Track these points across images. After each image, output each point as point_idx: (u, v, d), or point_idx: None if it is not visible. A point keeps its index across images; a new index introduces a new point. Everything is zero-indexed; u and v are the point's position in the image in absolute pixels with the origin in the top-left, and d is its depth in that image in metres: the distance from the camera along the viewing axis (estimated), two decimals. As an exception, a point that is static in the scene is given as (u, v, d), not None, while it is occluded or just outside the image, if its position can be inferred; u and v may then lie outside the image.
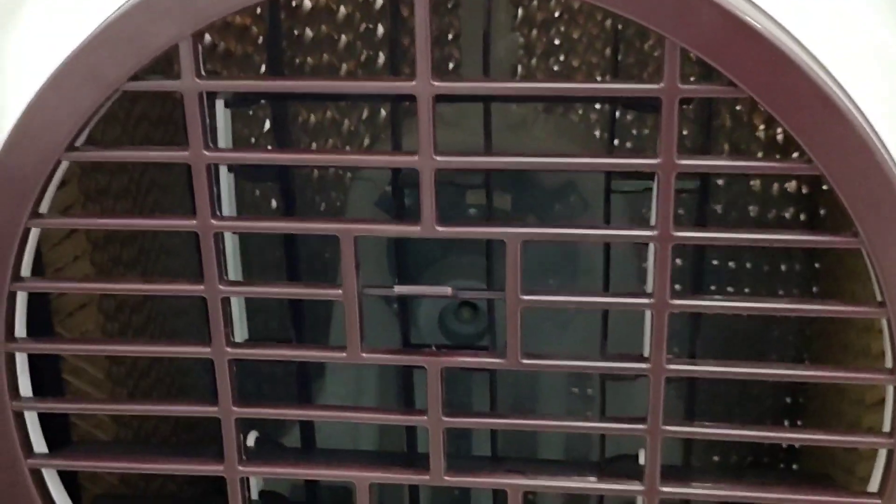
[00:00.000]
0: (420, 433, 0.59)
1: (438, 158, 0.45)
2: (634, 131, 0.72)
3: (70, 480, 0.57)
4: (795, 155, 0.50)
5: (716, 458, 0.80)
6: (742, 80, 0.43)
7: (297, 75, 0.71)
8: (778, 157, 0.68)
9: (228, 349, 0.50)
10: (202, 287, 0.49)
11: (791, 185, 0.72)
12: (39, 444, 0.54)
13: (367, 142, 0.76)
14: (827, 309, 0.48)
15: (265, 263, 0.75)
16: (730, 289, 0.74)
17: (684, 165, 0.44)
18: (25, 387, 0.53)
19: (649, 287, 0.48)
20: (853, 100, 0.44)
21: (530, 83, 0.60)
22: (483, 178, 0.59)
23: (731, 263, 0.75)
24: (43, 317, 0.61)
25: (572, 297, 0.49)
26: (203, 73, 0.46)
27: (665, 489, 0.50)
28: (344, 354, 0.49)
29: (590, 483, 0.51)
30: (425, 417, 0.50)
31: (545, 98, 0.61)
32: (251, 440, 0.56)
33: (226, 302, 0.50)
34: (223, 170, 0.53)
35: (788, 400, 0.79)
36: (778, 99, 0.43)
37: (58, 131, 0.48)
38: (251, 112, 0.73)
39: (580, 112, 0.73)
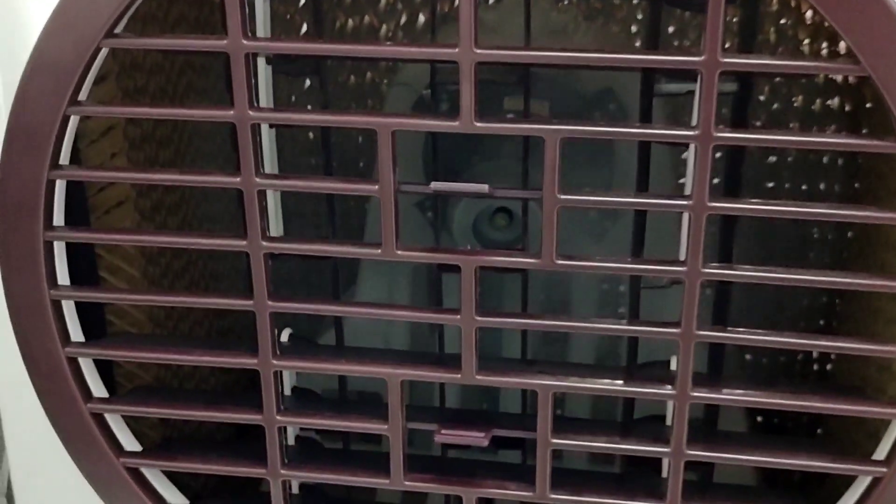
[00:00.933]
0: (449, 341, 0.59)
1: (479, 51, 0.45)
2: (676, 42, 0.71)
3: (106, 377, 0.58)
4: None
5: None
6: (790, -24, 0.42)
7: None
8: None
9: (264, 243, 0.50)
10: (238, 179, 0.49)
11: (834, 103, 0.71)
12: (77, 334, 0.55)
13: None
14: (866, 215, 0.47)
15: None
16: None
17: (729, 63, 0.44)
18: (63, 277, 0.53)
19: (688, 189, 0.48)
20: (905, -2, 0.43)
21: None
22: (521, 84, 0.58)
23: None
24: (80, 214, 0.61)
25: (609, 197, 0.48)
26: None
27: (696, 394, 0.50)
28: (379, 251, 0.49)
29: (620, 386, 0.51)
30: (458, 316, 0.50)
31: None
32: (285, 336, 0.56)
33: (262, 195, 0.50)
34: (261, 63, 0.53)
35: (822, 322, 0.78)
36: (826, -4, 0.42)
37: (97, 18, 0.48)
38: (288, 16, 0.72)
39: (621, 21, 0.72)
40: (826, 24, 0.43)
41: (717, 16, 0.43)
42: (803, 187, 0.74)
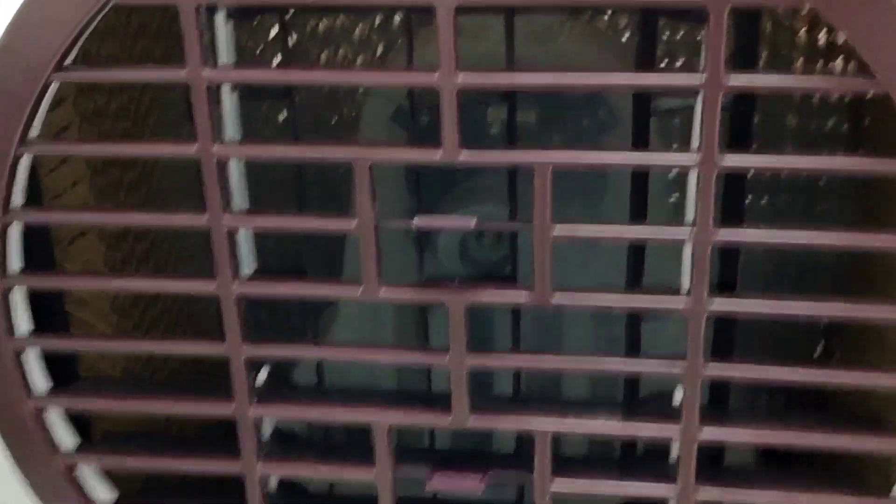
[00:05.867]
0: (437, 371, 0.56)
1: (461, 77, 0.41)
2: (665, 36, 0.67)
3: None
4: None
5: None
6: (801, -11, 0.39)
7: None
8: (831, 65, 0.63)
9: (235, 287, 0.47)
10: (205, 217, 0.45)
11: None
12: (42, 381, 0.51)
13: (380, 50, 0.71)
14: (873, 237, 0.44)
15: (272, 182, 0.72)
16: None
17: (733, 87, 0.40)
18: (24, 322, 0.50)
19: (689, 216, 0.44)
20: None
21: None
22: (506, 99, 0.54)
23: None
24: (43, 245, 0.57)
25: (606, 227, 0.45)
26: (200, -16, 0.41)
27: (704, 433, 0.46)
28: (359, 291, 0.46)
29: (625, 426, 0.48)
30: (447, 358, 0.47)
31: (577, 4, 0.56)
32: (263, 374, 0.53)
33: (232, 234, 0.46)
34: (226, 87, 0.49)
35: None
36: (840, 9, 0.39)
37: (45, 49, 0.44)
38: (258, 51, 0.68)
39: (607, 18, 0.68)
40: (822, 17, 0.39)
41: (720, 33, 0.39)
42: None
